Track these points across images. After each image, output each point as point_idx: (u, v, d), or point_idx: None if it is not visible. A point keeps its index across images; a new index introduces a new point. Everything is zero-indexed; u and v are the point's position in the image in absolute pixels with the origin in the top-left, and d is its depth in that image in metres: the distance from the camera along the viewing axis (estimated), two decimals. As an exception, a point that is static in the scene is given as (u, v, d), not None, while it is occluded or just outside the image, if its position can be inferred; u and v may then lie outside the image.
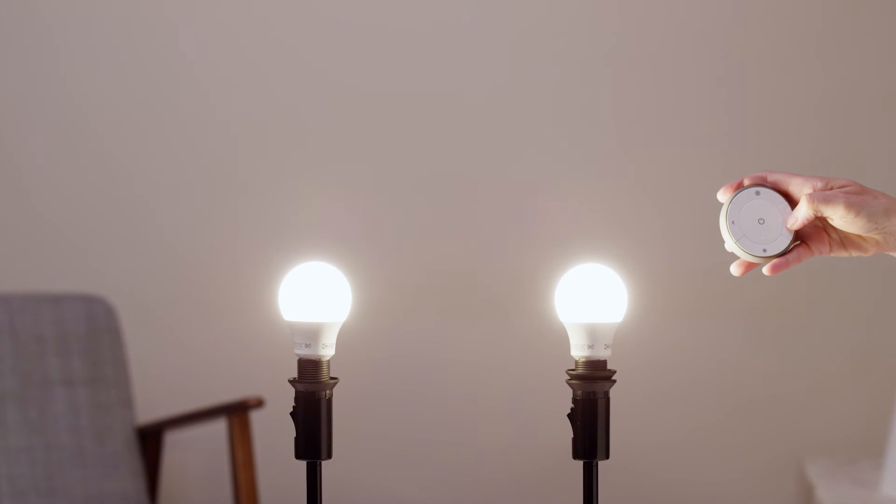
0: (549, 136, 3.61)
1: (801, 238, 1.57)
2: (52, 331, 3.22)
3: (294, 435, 1.57)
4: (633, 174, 3.60)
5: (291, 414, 1.57)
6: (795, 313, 3.59)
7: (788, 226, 1.54)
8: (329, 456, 1.58)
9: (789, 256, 1.55)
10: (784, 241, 1.55)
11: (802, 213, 1.53)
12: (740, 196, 1.56)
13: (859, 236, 1.55)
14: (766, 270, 1.55)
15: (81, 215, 3.60)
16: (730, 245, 1.56)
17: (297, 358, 1.57)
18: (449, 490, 3.62)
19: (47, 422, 3.17)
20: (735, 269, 1.57)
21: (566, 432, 1.58)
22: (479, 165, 3.61)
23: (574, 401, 1.56)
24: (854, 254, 1.56)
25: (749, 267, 1.57)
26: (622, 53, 3.59)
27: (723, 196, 1.57)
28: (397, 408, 3.62)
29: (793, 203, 1.56)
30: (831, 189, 1.54)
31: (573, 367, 1.57)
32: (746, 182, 1.57)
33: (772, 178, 1.57)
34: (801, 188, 1.55)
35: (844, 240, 1.56)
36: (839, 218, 1.52)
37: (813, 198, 1.52)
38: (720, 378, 3.60)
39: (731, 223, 1.55)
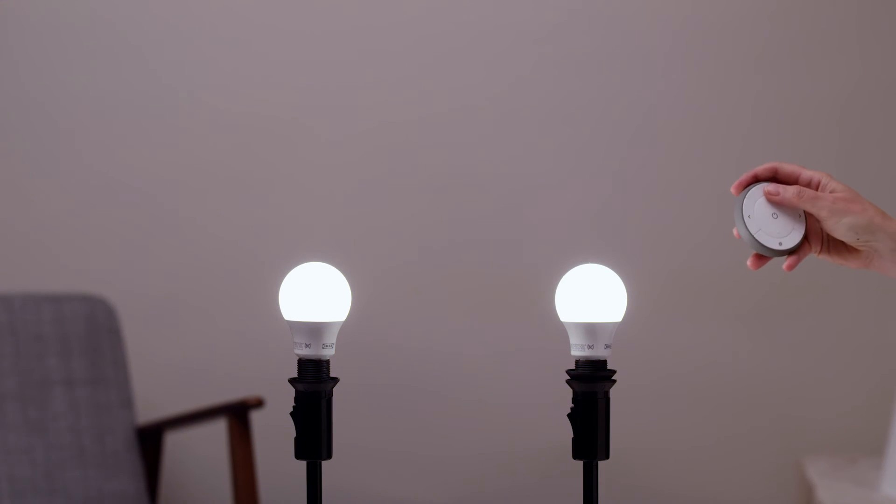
0: (549, 135, 3.61)
1: (805, 233, 1.60)
2: (52, 331, 3.22)
3: (294, 435, 1.57)
4: (633, 174, 3.60)
5: (291, 414, 1.57)
6: (795, 313, 3.59)
7: (770, 190, 1.58)
8: (329, 456, 1.58)
9: (800, 252, 1.58)
10: (798, 235, 1.59)
11: (789, 195, 1.57)
12: (753, 191, 1.59)
13: (845, 246, 1.58)
14: (784, 266, 1.58)
15: (82, 215, 3.60)
16: (745, 237, 1.58)
17: (297, 358, 1.57)
18: (449, 490, 3.62)
19: (47, 422, 3.17)
20: (751, 264, 1.60)
21: (566, 432, 1.58)
22: (480, 165, 3.61)
23: (574, 401, 1.56)
24: (839, 263, 1.60)
25: (764, 261, 1.59)
26: (622, 53, 3.59)
27: (736, 190, 1.60)
28: (397, 407, 3.62)
29: None
30: (827, 192, 1.57)
31: (573, 367, 1.57)
32: (759, 174, 1.60)
33: (783, 170, 1.61)
34: (807, 183, 1.61)
35: (832, 246, 1.59)
36: (822, 220, 1.57)
37: (802, 192, 1.57)
38: (720, 378, 3.60)
39: (748, 217, 1.58)
